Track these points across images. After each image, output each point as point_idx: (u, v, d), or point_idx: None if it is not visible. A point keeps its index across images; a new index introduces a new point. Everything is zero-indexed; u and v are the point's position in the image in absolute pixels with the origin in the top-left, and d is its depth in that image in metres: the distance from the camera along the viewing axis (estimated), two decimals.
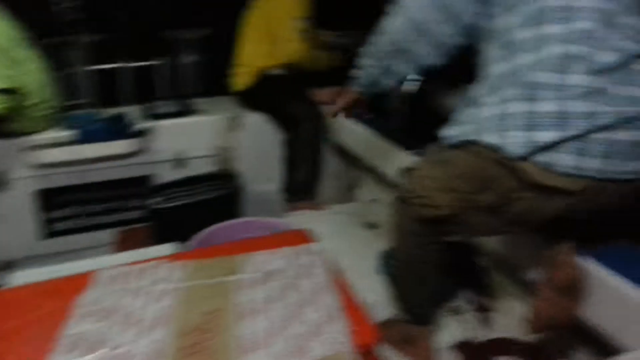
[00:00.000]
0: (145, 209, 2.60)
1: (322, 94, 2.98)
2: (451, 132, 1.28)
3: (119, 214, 2.86)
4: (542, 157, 1.12)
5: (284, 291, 1.08)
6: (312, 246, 1.34)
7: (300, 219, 2.31)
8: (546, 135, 1.10)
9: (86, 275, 1.20)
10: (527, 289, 1.58)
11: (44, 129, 2.66)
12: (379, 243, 2.06)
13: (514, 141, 1.13)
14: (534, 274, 1.44)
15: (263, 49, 2.87)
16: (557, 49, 1.13)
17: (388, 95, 2.33)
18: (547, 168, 1.12)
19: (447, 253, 1.43)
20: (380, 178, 2.48)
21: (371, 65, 1.56)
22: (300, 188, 2.74)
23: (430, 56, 1.40)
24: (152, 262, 1.24)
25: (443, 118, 1.37)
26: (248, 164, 2.97)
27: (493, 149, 1.17)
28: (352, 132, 2.64)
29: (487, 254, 1.70)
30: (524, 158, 1.13)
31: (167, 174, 2.87)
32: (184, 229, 2.31)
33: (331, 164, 3.05)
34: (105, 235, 2.75)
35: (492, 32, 1.27)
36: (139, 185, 2.84)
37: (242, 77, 2.97)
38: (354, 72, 1.65)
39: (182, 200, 2.61)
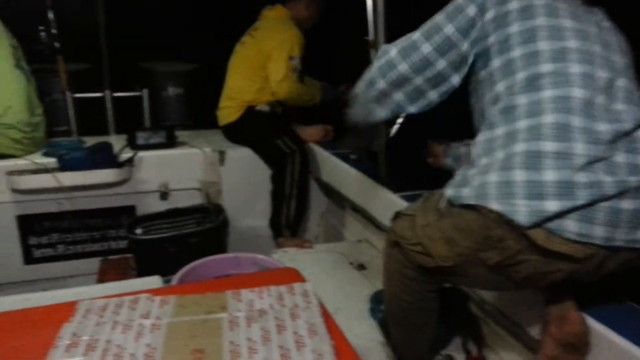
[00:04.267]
0: (128, 239, 2.55)
1: (307, 132, 3.00)
2: (455, 194, 1.26)
3: (101, 244, 2.82)
4: (549, 224, 1.11)
5: (279, 331, 1.06)
6: (304, 285, 1.31)
7: (286, 256, 2.29)
8: (553, 205, 1.10)
9: (68, 306, 1.15)
10: (522, 340, 1.57)
11: (25, 153, 2.62)
12: (368, 285, 2.04)
13: (521, 210, 1.12)
14: (532, 327, 1.43)
15: (252, 83, 2.89)
16: (557, 117, 1.14)
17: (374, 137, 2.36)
18: (553, 234, 1.11)
19: (440, 299, 1.42)
20: (367, 218, 2.48)
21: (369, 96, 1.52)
22: (286, 225, 2.72)
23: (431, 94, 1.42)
24: (137, 295, 1.20)
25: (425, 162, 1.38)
26: (233, 199, 2.95)
27: (499, 215, 1.16)
28: (339, 172, 2.65)
29: (480, 301, 1.69)
30: (531, 226, 1.13)
31: (151, 206, 2.83)
32: (167, 261, 2.26)
33: (317, 203, 3.05)
34: (87, 264, 2.70)
35: (492, 94, 1.28)
36: (122, 216, 2.80)
37: (229, 110, 2.98)
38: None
39: (165, 233, 2.57)
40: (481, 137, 1.27)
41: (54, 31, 2.96)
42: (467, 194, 1.21)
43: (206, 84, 3.44)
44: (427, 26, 1.36)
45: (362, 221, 2.57)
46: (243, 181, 2.98)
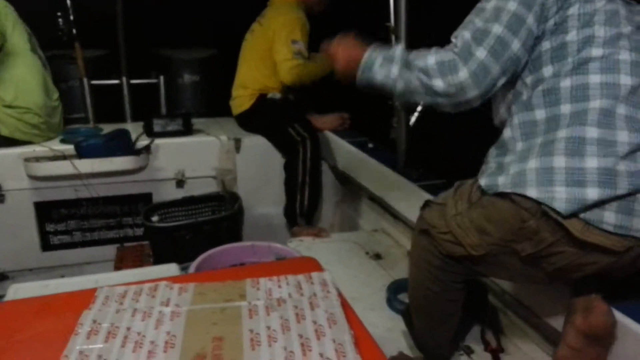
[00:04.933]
0: (145, 227, 2.56)
1: (322, 120, 2.98)
2: (490, 182, 1.23)
3: (117, 231, 2.83)
4: (587, 214, 1.09)
5: (298, 320, 1.05)
6: (322, 275, 1.30)
7: (302, 245, 2.29)
8: (594, 193, 1.07)
9: (87, 293, 1.16)
10: (542, 331, 1.55)
11: (42, 140, 2.64)
12: (384, 274, 2.03)
13: (560, 197, 1.09)
14: (552, 318, 1.41)
15: (262, 71, 2.88)
16: (603, 103, 1.11)
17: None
18: (590, 225, 1.09)
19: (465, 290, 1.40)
20: (383, 208, 2.47)
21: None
22: (301, 213, 2.72)
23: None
24: (156, 283, 1.20)
25: (444, 150, 1.34)
26: (248, 187, 2.95)
27: (537, 203, 1.13)
28: (355, 161, 2.63)
29: (499, 292, 1.67)
30: (569, 215, 1.10)
31: (167, 193, 2.84)
32: (183, 248, 2.28)
33: (333, 191, 3.04)
34: (104, 251, 2.72)
35: (536, 76, 1.23)
36: (139, 203, 2.81)
37: (241, 99, 2.97)
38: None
39: (181, 220, 2.58)
40: (516, 119, 1.23)
41: (71, 17, 2.97)
42: (503, 182, 1.19)
43: (222, 71, 3.42)
44: (505, 17, 1.21)
45: (378, 210, 2.55)
46: (258, 169, 2.97)
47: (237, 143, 2.93)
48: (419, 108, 2.10)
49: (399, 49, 1.36)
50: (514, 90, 1.29)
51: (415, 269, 1.45)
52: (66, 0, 2.91)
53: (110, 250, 2.69)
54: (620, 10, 1.20)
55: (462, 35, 1.25)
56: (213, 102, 3.75)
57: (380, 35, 2.30)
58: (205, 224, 2.52)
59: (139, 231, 2.82)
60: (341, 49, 1.47)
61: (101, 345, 0.94)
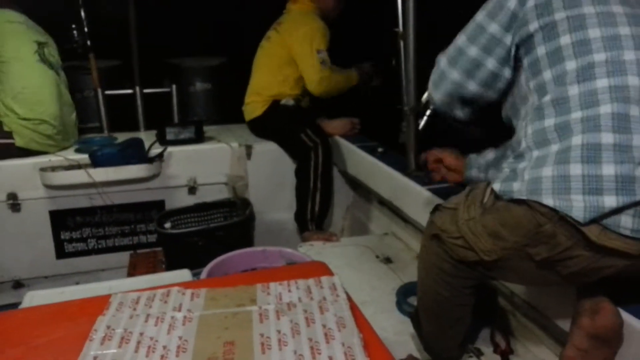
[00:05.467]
0: (158, 233, 2.59)
1: (332, 125, 3.00)
2: (504, 188, 1.22)
3: (131, 238, 2.87)
4: (605, 220, 1.08)
5: (308, 324, 1.06)
6: (331, 279, 1.32)
7: (313, 249, 2.30)
8: (611, 200, 1.06)
9: (102, 299, 1.18)
10: (551, 333, 1.55)
11: (57, 149, 2.69)
12: (395, 278, 2.04)
13: (578, 205, 1.08)
14: (561, 320, 1.41)
15: (276, 78, 2.91)
16: (615, 107, 1.11)
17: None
18: (607, 229, 1.08)
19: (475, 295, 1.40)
20: (393, 212, 2.47)
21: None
22: (312, 218, 2.73)
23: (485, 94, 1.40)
24: (169, 289, 1.22)
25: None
26: (259, 193, 2.97)
27: (553, 210, 1.12)
28: (365, 165, 2.64)
29: (508, 294, 1.67)
30: (587, 222, 1.09)
31: (180, 200, 2.87)
32: (196, 254, 2.30)
33: (343, 196, 3.05)
34: (118, 257, 2.76)
35: (537, 82, 1.24)
36: (152, 210, 2.85)
37: (254, 105, 3.00)
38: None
39: (193, 227, 2.61)
40: (530, 128, 1.23)
41: (85, 29, 3.02)
42: (518, 189, 1.18)
43: (233, 79, 3.46)
44: (469, 28, 1.34)
45: (389, 214, 2.56)
46: (269, 175, 3.00)
47: (248, 149, 2.96)
48: (428, 112, 2.10)
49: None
50: (519, 93, 1.30)
51: (425, 274, 1.45)
52: (81, 12, 2.96)
53: (124, 257, 2.72)
54: (614, 9, 1.19)
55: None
56: (224, 109, 3.78)
57: (389, 41, 2.33)
58: (217, 230, 2.55)
59: (152, 238, 2.86)
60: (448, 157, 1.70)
61: (115, 351, 0.96)
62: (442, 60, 1.40)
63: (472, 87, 1.36)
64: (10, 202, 2.60)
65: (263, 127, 3.04)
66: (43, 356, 0.98)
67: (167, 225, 2.59)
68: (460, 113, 1.46)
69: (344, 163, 2.91)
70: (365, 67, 3.04)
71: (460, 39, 1.35)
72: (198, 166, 2.91)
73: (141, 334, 1.01)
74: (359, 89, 2.99)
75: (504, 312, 1.72)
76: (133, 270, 2.50)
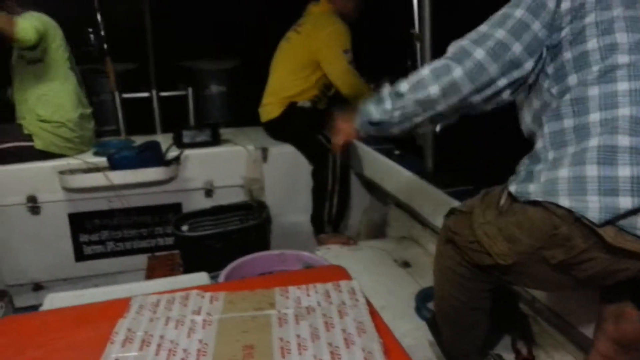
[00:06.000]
0: (175, 236, 2.61)
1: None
2: (520, 189, 1.22)
3: (148, 240, 2.89)
4: (621, 221, 1.07)
5: (327, 328, 1.06)
6: (350, 283, 1.31)
7: (330, 253, 2.29)
8: (627, 202, 1.05)
9: (121, 302, 1.19)
10: (574, 339, 1.52)
11: (75, 152, 2.72)
12: (413, 282, 2.02)
13: (594, 206, 1.08)
14: (584, 326, 1.38)
15: (295, 79, 2.90)
16: (633, 110, 1.10)
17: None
18: (623, 231, 1.07)
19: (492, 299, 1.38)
20: (411, 215, 2.45)
21: (414, 111, 1.39)
22: (328, 221, 2.73)
23: (481, 106, 1.32)
24: (188, 292, 1.22)
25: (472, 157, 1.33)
26: (276, 195, 2.97)
27: (569, 212, 1.11)
28: (382, 168, 2.63)
29: (530, 299, 1.64)
30: (603, 223, 1.08)
31: (196, 203, 2.89)
32: (213, 257, 2.31)
33: (359, 199, 3.04)
34: (135, 260, 2.78)
35: (561, 87, 1.22)
36: (169, 213, 2.87)
37: (271, 107, 3.00)
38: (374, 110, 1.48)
39: (210, 230, 2.62)
40: (546, 128, 1.22)
41: (102, 33, 3.05)
42: (534, 190, 1.17)
43: (247, 81, 3.47)
44: (509, 23, 1.25)
45: (406, 218, 2.54)
46: (285, 178, 3.00)
47: (264, 152, 2.96)
48: None
49: (385, 89, 1.44)
50: (541, 102, 1.28)
51: (441, 278, 1.44)
52: (97, 16, 3.00)
53: (141, 260, 2.74)
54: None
55: (457, 43, 1.30)
56: (239, 111, 3.80)
57: (406, 42, 2.31)
58: (234, 233, 2.55)
59: (170, 240, 2.87)
60: (341, 121, 1.68)
61: (136, 354, 0.96)
62: (479, 52, 1.26)
63: (493, 70, 1.26)
64: (30, 204, 2.63)
65: (279, 129, 3.04)
66: (64, 358, 0.99)
67: (185, 228, 2.60)
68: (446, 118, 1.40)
69: (360, 165, 2.90)
70: (383, 82, 3.03)
71: (498, 32, 1.25)
72: (214, 169, 2.92)
73: (161, 337, 1.01)
74: None
75: (526, 318, 1.70)
76: (151, 273, 2.51)
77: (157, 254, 2.80)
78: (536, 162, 1.22)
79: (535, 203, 1.16)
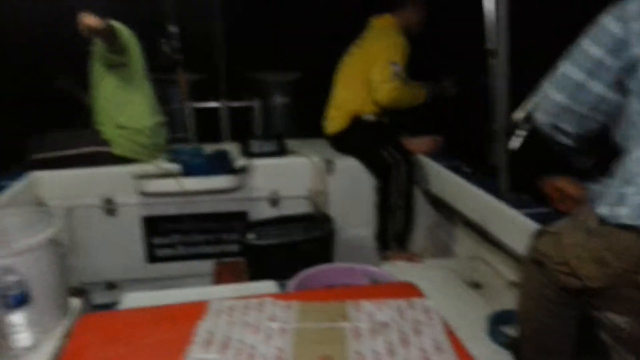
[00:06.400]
0: (241, 244, 2.65)
1: (415, 142, 2.95)
2: (610, 213, 1.17)
3: (216, 246, 2.95)
4: None
5: (403, 345, 1.04)
6: (424, 301, 1.29)
7: (396, 269, 2.25)
8: None
9: (199, 305, 1.22)
10: None
11: (149, 158, 2.83)
12: (484, 305, 1.96)
13: None
14: None
15: (358, 93, 2.90)
16: None
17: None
18: None
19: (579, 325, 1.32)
20: (481, 235, 2.38)
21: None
22: (393, 237, 2.69)
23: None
24: (262, 299, 1.24)
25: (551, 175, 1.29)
26: (339, 208, 2.97)
27: None
28: (451, 185, 2.57)
29: (611, 327, 1.55)
30: None
31: (261, 212, 2.93)
32: (277, 266, 2.33)
33: (424, 215, 2.98)
34: (202, 265, 2.83)
35: None
36: (235, 220, 2.92)
37: (335, 120, 3.01)
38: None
39: (276, 239, 2.64)
40: (635, 153, 1.18)
41: (175, 44, 3.17)
42: (626, 214, 1.13)
43: (310, 93, 3.51)
44: (573, 53, 1.30)
45: (475, 237, 2.47)
46: (349, 191, 2.99)
47: (329, 164, 2.97)
48: (522, 132, 2.02)
49: None
50: (629, 119, 1.23)
51: (526, 301, 1.39)
52: (170, 27, 3.11)
53: (207, 265, 2.79)
54: None
55: None
56: (301, 123, 3.84)
57: (477, 58, 2.27)
58: (300, 243, 2.57)
59: (235, 247, 2.92)
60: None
61: (217, 356, 0.98)
62: (545, 84, 1.35)
63: (578, 109, 1.30)
64: (107, 206, 2.75)
65: (343, 143, 3.04)
66: (148, 356, 1.02)
67: (251, 236, 2.63)
68: (564, 138, 1.40)
69: (427, 182, 2.86)
70: (444, 84, 2.99)
71: (563, 65, 1.31)
72: (280, 179, 2.95)
73: (240, 341, 1.03)
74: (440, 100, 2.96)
75: (607, 348, 1.60)
76: (218, 278, 2.55)
77: (223, 260, 2.85)
78: (626, 184, 1.17)
79: (628, 227, 1.12)
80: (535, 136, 1.72)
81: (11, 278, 1.53)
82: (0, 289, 1.52)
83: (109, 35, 2.53)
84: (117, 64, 2.70)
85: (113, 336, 1.11)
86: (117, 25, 2.58)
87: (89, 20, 2.35)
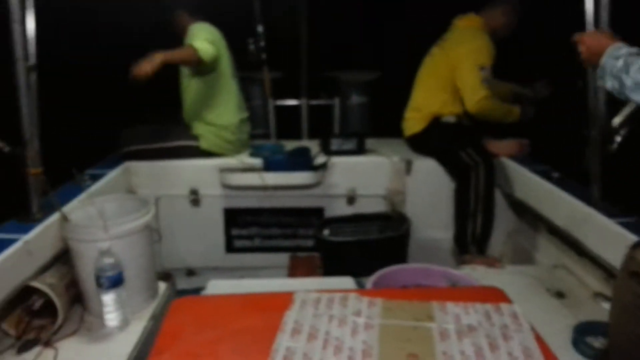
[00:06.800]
0: (316, 239, 2.69)
1: (499, 145, 2.86)
2: None
3: (291, 240, 3.02)
4: None
5: (491, 349, 1.02)
6: (511, 307, 1.26)
7: (475, 274, 2.20)
8: None
9: (284, 296, 1.26)
10: None
11: (233, 153, 2.93)
12: (568, 314, 1.87)
13: None
14: None
15: (438, 95, 2.85)
16: None
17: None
18: None
19: None
20: (566, 243, 2.27)
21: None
22: (472, 241, 2.63)
23: None
24: (346, 294, 1.26)
25: None
26: (416, 208, 2.93)
27: None
28: (538, 190, 2.47)
29: None
30: None
31: (338, 209, 2.95)
32: (351, 263, 2.34)
33: (504, 220, 2.89)
34: (277, 258, 2.91)
35: None
36: (311, 216, 2.97)
37: (414, 121, 2.97)
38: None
39: (351, 236, 2.66)
40: None
41: (262, 44, 3.25)
42: None
43: (387, 93, 3.49)
44: None
45: (559, 245, 2.36)
46: (427, 192, 2.95)
47: (408, 165, 2.94)
48: (619, 139, 1.91)
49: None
50: None
51: (621, 314, 1.31)
52: (257, 27, 3.19)
53: (283, 258, 2.86)
54: None
55: None
56: (378, 123, 3.82)
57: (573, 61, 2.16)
58: (375, 242, 2.57)
59: (309, 242, 2.97)
60: (589, 38, 1.46)
61: (304, 344, 1.01)
62: None
63: None
64: (192, 197, 2.88)
65: (422, 144, 3.00)
66: (240, 340, 1.07)
67: (326, 232, 2.67)
68: None
69: (510, 186, 2.76)
70: (537, 86, 2.88)
71: None
72: (358, 177, 2.96)
73: (327, 333, 1.05)
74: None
75: None
76: (293, 271, 2.60)
77: (298, 254, 2.91)
78: None
79: None
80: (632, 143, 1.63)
81: (108, 260, 1.64)
82: (98, 270, 1.64)
83: (192, 62, 2.63)
84: (206, 71, 2.82)
85: (204, 320, 1.17)
86: (202, 44, 2.63)
87: (144, 68, 2.38)
